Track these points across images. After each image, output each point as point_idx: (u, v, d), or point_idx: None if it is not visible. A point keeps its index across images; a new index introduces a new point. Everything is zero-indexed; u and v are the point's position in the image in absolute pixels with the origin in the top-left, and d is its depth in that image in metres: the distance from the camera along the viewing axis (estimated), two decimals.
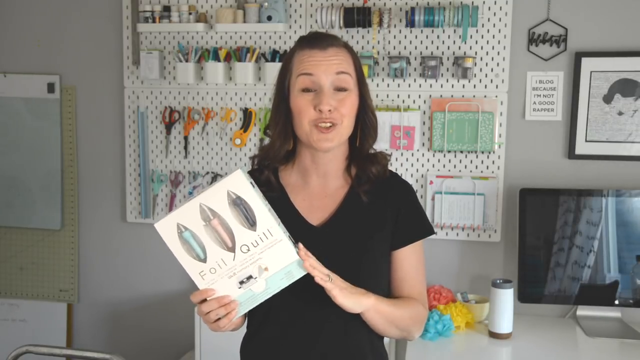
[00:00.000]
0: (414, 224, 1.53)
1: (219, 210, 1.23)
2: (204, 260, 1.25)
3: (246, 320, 1.54)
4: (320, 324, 1.44)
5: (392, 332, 1.49)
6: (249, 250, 1.24)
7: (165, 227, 1.25)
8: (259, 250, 1.25)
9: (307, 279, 1.41)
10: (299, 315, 1.45)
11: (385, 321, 1.44)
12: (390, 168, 1.58)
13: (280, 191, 1.51)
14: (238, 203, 1.23)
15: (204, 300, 1.29)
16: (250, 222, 1.23)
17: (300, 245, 1.30)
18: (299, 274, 1.27)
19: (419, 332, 1.55)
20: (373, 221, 1.49)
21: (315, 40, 1.46)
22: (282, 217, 1.39)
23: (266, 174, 1.51)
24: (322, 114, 1.40)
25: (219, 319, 1.29)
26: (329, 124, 1.42)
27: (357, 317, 1.43)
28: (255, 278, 1.26)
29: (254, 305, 1.29)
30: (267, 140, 1.55)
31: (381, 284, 1.50)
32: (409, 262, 1.52)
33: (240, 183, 1.23)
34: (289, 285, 1.41)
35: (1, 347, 2.80)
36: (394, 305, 1.45)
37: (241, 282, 1.26)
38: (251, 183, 1.24)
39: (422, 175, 2.62)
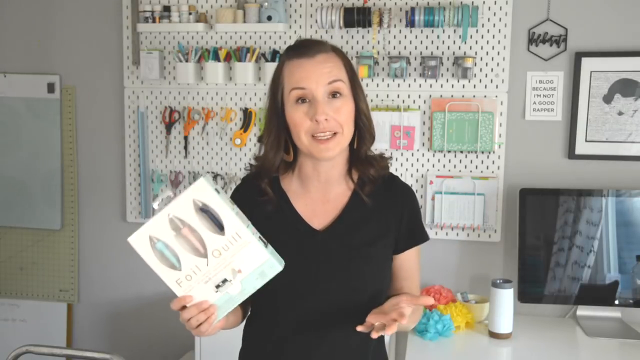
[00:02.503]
0: (416, 228, 1.54)
1: (187, 219, 1.25)
2: (179, 269, 1.27)
3: (243, 320, 1.56)
4: (323, 325, 1.45)
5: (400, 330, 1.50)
6: (220, 254, 1.26)
7: (139, 240, 1.26)
8: (230, 253, 1.26)
9: (310, 284, 1.42)
10: (301, 317, 1.45)
11: (405, 326, 1.49)
12: (390, 168, 1.58)
13: (282, 197, 1.50)
14: (205, 210, 1.25)
15: (184, 307, 1.30)
16: (219, 227, 1.25)
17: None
18: (272, 273, 1.28)
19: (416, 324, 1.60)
20: (376, 225, 1.49)
21: (302, 49, 1.44)
22: (286, 223, 1.39)
23: (265, 183, 1.50)
24: (319, 125, 1.39)
25: (200, 324, 1.30)
26: (328, 135, 1.40)
27: (359, 319, 1.44)
28: (230, 281, 1.27)
29: (232, 307, 1.30)
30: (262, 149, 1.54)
31: (384, 287, 1.51)
32: (410, 263, 1.54)
33: (204, 190, 1.24)
34: (292, 287, 1.42)
35: (1, 347, 2.80)
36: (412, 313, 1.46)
37: (217, 286, 1.28)
38: (216, 189, 1.26)
39: (422, 175, 2.62)
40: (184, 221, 1.25)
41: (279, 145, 1.47)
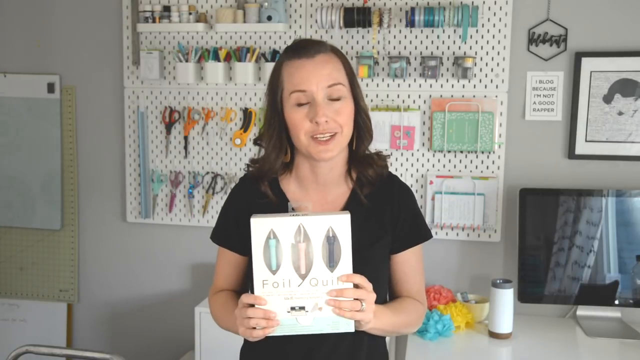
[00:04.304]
0: (414, 229, 1.54)
1: (312, 237, 1.27)
2: (273, 273, 1.29)
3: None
4: None
5: (391, 334, 1.54)
6: (316, 286, 1.29)
7: (260, 225, 1.28)
8: (325, 290, 1.29)
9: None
10: None
11: (383, 332, 1.48)
12: (390, 168, 1.58)
13: (282, 199, 1.51)
14: (331, 241, 1.28)
15: (252, 306, 1.31)
16: (332, 263, 1.28)
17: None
18: (344, 328, 1.31)
19: (417, 328, 1.59)
20: (374, 227, 1.49)
21: (301, 50, 1.43)
22: None
23: (265, 186, 1.50)
24: (318, 127, 1.40)
25: (254, 328, 1.30)
26: (327, 136, 1.41)
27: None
28: (307, 312, 1.29)
29: (290, 334, 1.32)
30: (262, 151, 1.55)
31: (382, 289, 1.50)
32: (408, 264, 1.54)
33: (344, 226, 1.28)
34: None
35: (1, 347, 2.80)
36: (394, 315, 1.47)
37: (292, 308, 1.29)
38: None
39: (422, 175, 2.62)
40: (308, 237, 1.27)
41: (281, 147, 1.48)
